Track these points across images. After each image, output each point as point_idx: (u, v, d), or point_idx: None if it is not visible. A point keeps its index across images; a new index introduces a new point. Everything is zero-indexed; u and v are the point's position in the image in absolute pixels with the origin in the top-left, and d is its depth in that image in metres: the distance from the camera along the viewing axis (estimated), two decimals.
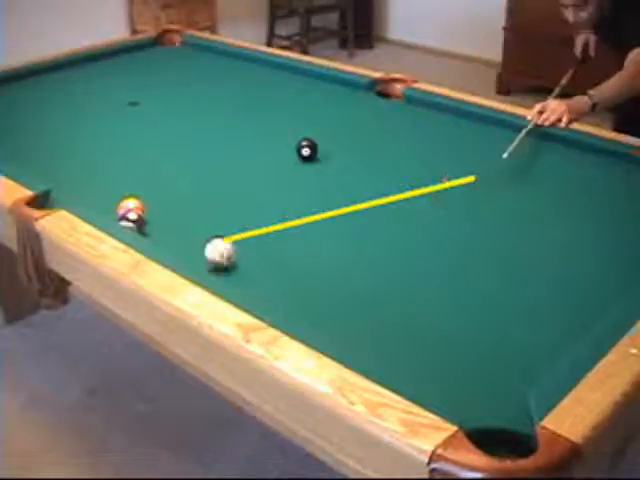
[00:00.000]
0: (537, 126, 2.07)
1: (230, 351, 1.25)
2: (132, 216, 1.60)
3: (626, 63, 2.19)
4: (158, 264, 1.44)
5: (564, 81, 2.54)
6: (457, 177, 1.90)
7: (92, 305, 1.68)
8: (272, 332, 1.24)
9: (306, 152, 1.94)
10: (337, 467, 1.18)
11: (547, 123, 2.07)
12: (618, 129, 2.26)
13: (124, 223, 1.60)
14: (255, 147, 2.09)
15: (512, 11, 4.85)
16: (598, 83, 2.15)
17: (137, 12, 4.99)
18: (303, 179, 1.90)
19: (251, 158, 2.02)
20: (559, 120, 2.07)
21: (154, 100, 2.42)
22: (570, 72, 2.59)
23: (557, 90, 2.46)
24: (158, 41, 2.95)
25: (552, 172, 1.95)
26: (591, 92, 2.11)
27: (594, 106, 2.10)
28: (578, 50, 2.63)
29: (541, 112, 2.09)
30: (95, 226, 1.58)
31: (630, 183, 1.86)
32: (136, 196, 1.66)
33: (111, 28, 4.70)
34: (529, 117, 2.09)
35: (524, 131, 2.02)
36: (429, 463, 0.99)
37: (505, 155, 1.91)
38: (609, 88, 2.14)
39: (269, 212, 1.74)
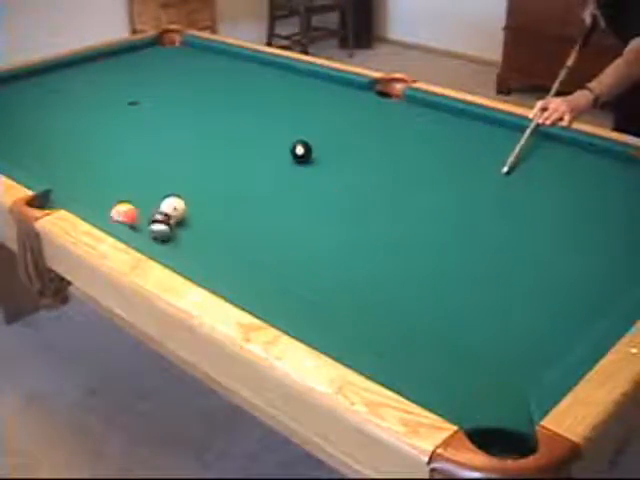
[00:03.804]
0: (538, 125, 2.06)
1: (230, 350, 1.25)
2: (160, 217, 1.57)
3: (625, 51, 2.15)
4: (158, 263, 1.44)
5: (570, 62, 2.40)
6: (457, 176, 1.91)
7: (92, 305, 1.68)
8: (272, 332, 1.24)
9: (300, 151, 1.93)
10: (337, 467, 1.18)
11: (548, 122, 2.06)
12: (618, 129, 2.25)
13: (156, 227, 1.57)
14: (255, 147, 2.09)
15: (512, 11, 4.85)
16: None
17: (137, 12, 5.00)
18: (301, 179, 1.90)
19: (250, 158, 2.02)
20: (560, 119, 2.06)
21: (154, 100, 2.42)
22: (575, 50, 2.45)
23: (563, 74, 2.37)
24: (158, 41, 2.95)
25: (552, 172, 1.95)
26: (590, 85, 2.09)
27: (596, 100, 2.07)
28: (588, 20, 2.49)
29: (543, 110, 2.09)
30: (95, 226, 1.58)
31: (630, 183, 1.86)
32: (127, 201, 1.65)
33: (111, 28, 4.71)
34: (531, 115, 2.09)
35: (528, 131, 2.01)
36: (429, 463, 0.99)
37: (505, 169, 1.88)
38: (607, 78, 2.10)
39: (267, 211, 1.75)
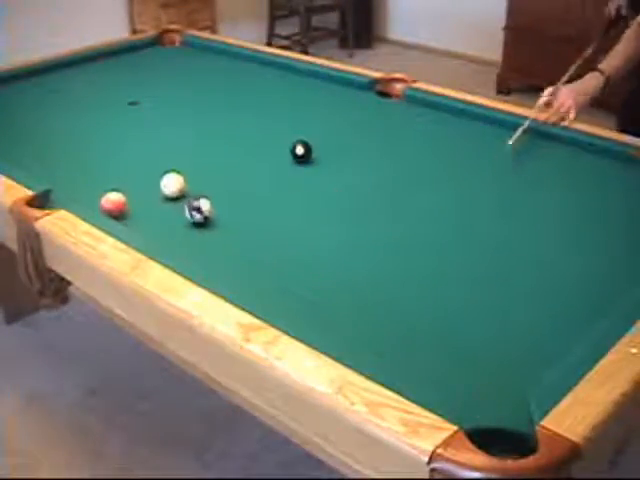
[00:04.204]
0: (540, 122, 2.06)
1: (230, 350, 1.25)
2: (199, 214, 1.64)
3: (637, 20, 2.13)
4: (158, 263, 1.44)
5: (588, 52, 2.40)
6: (457, 176, 1.91)
7: (92, 305, 1.68)
8: (272, 332, 1.24)
9: (300, 151, 1.93)
10: (337, 467, 1.18)
11: (554, 119, 2.05)
12: (622, 130, 2.24)
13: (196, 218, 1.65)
14: (255, 147, 2.09)
15: (512, 11, 4.86)
16: None
17: (137, 12, 5.00)
18: (301, 179, 1.90)
19: (250, 158, 2.02)
20: (564, 118, 2.05)
21: (154, 100, 2.42)
22: (596, 40, 2.46)
23: (579, 62, 2.35)
24: (158, 41, 2.95)
25: (552, 171, 1.95)
26: (601, 66, 2.07)
27: (607, 81, 2.05)
28: (612, 12, 2.54)
29: (548, 104, 2.07)
30: (95, 226, 1.58)
31: (630, 183, 1.86)
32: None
33: (111, 28, 4.71)
34: (540, 102, 2.09)
35: (527, 122, 2.02)
36: (429, 463, 0.99)
37: (510, 142, 1.97)
38: (615, 60, 2.09)
39: (267, 211, 1.75)
